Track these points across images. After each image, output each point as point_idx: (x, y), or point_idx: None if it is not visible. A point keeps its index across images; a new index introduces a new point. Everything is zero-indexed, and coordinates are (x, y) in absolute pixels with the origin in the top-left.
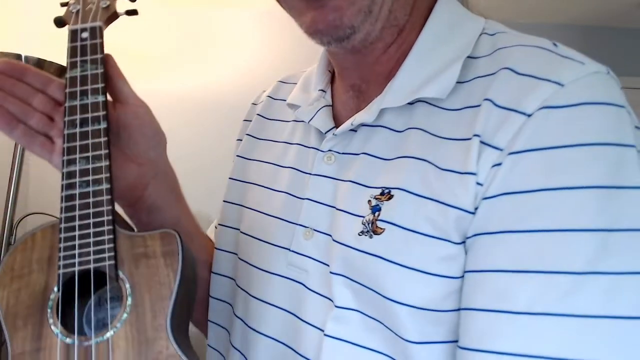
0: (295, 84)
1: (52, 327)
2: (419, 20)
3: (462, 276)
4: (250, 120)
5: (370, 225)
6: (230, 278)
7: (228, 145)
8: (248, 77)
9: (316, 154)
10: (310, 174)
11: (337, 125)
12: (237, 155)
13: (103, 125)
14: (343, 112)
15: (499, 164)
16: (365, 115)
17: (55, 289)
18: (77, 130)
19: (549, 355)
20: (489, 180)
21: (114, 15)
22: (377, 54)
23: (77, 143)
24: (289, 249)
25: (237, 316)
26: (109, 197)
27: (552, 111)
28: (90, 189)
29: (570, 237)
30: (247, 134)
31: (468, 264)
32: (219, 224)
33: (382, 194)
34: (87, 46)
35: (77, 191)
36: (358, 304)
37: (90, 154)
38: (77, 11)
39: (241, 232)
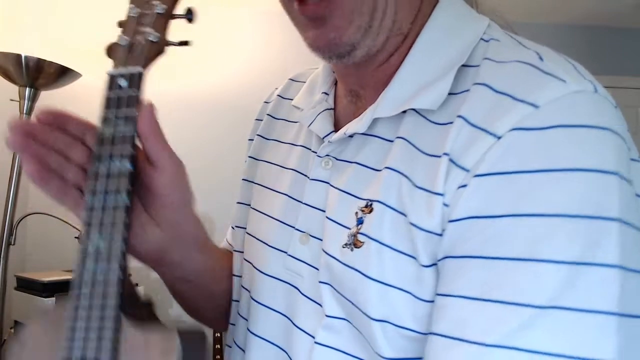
0: (304, 82)
1: None
2: (421, 25)
3: (431, 301)
4: (261, 120)
5: (352, 237)
6: (239, 277)
7: (227, 145)
8: (247, 77)
9: (314, 158)
10: (308, 178)
11: (336, 130)
12: (249, 156)
13: (123, 201)
14: (343, 116)
15: (464, 186)
16: (358, 125)
17: None
18: (96, 200)
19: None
20: (454, 202)
21: (160, 51)
22: (379, 62)
23: (95, 215)
24: (286, 253)
25: (240, 315)
26: (117, 286)
27: (522, 133)
28: (102, 276)
29: (534, 267)
30: (257, 135)
31: (437, 287)
32: (235, 226)
33: (366, 206)
34: (122, 99)
35: (89, 271)
36: (345, 314)
37: (106, 232)
38: (126, 45)
39: (247, 232)
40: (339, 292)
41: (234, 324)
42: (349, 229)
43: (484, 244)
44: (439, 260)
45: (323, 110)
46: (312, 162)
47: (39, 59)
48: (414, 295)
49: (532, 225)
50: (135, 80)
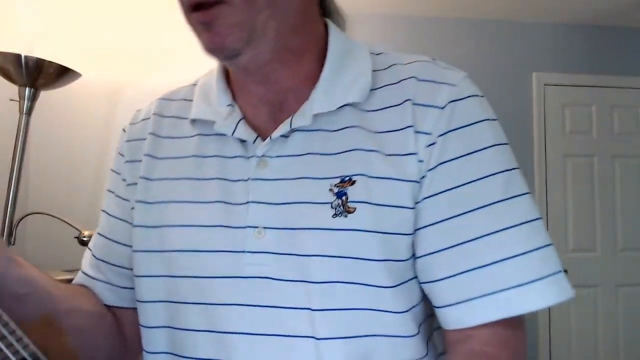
0: (184, 100)
1: None
2: (318, 44)
3: (413, 233)
4: (141, 139)
5: (342, 207)
6: (163, 302)
7: None
8: None
9: (248, 161)
10: (245, 180)
11: (259, 135)
12: (141, 177)
13: None
14: (257, 123)
15: (433, 144)
16: (301, 119)
17: None
18: None
19: (482, 234)
20: (427, 157)
21: None
22: (280, 72)
23: None
24: (243, 252)
25: (193, 330)
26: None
27: (455, 103)
28: None
29: (492, 179)
30: (146, 154)
31: (422, 221)
32: (134, 251)
33: (342, 181)
34: None
35: None
36: (337, 275)
37: None
38: None
39: (171, 251)
40: (332, 256)
41: (168, 352)
42: (328, 203)
43: (458, 177)
44: (417, 203)
45: (239, 120)
46: (244, 166)
47: (39, 59)
48: (403, 234)
49: (482, 155)
50: None
